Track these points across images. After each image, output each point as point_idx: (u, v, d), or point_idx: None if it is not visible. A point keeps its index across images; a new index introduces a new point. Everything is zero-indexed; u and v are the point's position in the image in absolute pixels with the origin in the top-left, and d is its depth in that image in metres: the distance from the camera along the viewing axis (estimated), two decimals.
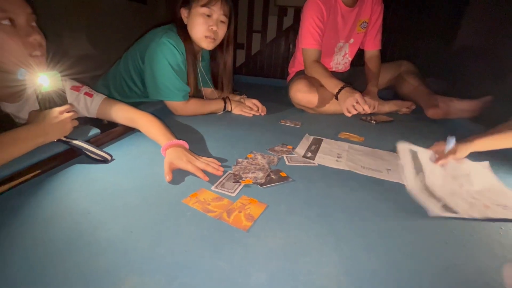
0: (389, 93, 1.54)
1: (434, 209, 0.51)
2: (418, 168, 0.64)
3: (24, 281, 0.32)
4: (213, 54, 1.13)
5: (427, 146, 0.88)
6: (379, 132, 1.03)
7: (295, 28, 2.92)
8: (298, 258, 0.38)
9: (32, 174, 0.51)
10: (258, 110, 1.13)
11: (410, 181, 0.60)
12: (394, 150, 0.83)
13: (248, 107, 1.12)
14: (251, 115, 1.10)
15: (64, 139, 0.60)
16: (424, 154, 0.68)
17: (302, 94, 1.16)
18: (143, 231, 0.41)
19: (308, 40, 1.23)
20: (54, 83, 0.60)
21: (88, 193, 0.50)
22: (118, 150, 0.68)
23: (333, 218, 0.48)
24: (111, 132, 0.74)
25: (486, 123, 1.00)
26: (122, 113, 0.75)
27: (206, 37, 0.95)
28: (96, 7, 1.87)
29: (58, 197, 0.48)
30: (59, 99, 0.61)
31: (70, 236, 0.39)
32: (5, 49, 0.54)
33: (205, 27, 0.93)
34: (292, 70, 1.48)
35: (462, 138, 0.68)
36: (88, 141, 0.63)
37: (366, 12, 1.29)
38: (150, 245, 0.38)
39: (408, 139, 0.96)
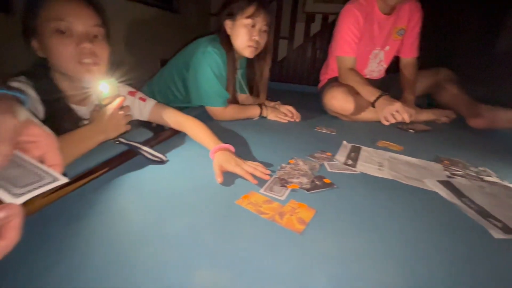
0: (425, 100, 1.50)
1: (496, 231, 0.49)
2: (459, 194, 0.62)
3: (105, 269, 0.36)
4: (250, 61, 1.17)
5: (469, 156, 0.85)
6: (418, 142, 1.00)
7: (322, 34, 2.93)
8: (354, 264, 0.39)
9: (102, 171, 0.56)
10: (292, 116, 1.15)
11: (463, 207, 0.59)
12: (436, 160, 0.81)
13: (283, 113, 1.14)
14: (286, 121, 1.13)
15: (125, 140, 0.66)
16: (459, 181, 0.66)
17: (338, 101, 1.17)
18: (204, 228, 0.45)
19: (343, 48, 1.23)
20: (113, 90, 0.67)
21: (150, 190, 0.55)
22: (168, 152, 0.73)
23: (383, 226, 0.49)
24: (160, 134, 0.80)
25: None
26: (172, 117, 0.80)
27: (249, 46, 1.00)
28: (132, 17, 2.01)
29: (125, 192, 0.53)
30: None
31: (141, 229, 0.43)
32: (59, 54, 0.60)
33: (248, 37, 0.98)
34: (325, 77, 1.48)
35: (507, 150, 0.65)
36: (143, 143, 0.68)
37: (403, 19, 1.28)
38: (214, 241, 0.42)
39: (448, 149, 0.94)
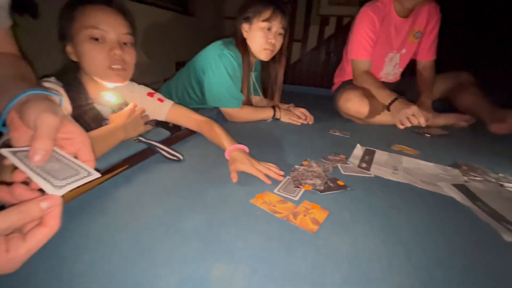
0: (443, 105, 1.46)
1: (508, 235, 0.48)
2: (474, 197, 0.61)
3: (128, 261, 0.38)
4: (264, 64, 1.19)
5: (489, 162, 0.83)
6: (435, 146, 0.98)
7: (336, 37, 2.91)
8: (369, 264, 0.40)
9: (123, 168, 0.59)
10: (306, 118, 1.16)
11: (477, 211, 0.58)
12: (454, 165, 0.79)
13: (296, 116, 1.15)
14: (299, 123, 1.13)
15: (144, 139, 0.69)
16: (475, 185, 0.65)
17: (352, 104, 1.16)
18: (221, 225, 0.46)
19: (358, 50, 1.23)
20: (118, 98, 0.74)
21: (168, 187, 0.57)
22: (184, 151, 0.75)
23: (399, 229, 0.48)
24: (177, 134, 0.83)
25: None
26: (188, 118, 0.83)
27: (265, 49, 1.02)
28: (149, 20, 2.07)
29: (145, 188, 0.56)
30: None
31: (161, 223, 0.45)
32: (91, 59, 0.65)
33: (265, 40, 1.00)
34: (339, 79, 1.48)
35: None
36: (161, 142, 0.71)
37: (421, 22, 1.26)
38: (230, 238, 0.43)
39: (467, 154, 0.91)
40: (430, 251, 0.43)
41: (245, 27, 1.03)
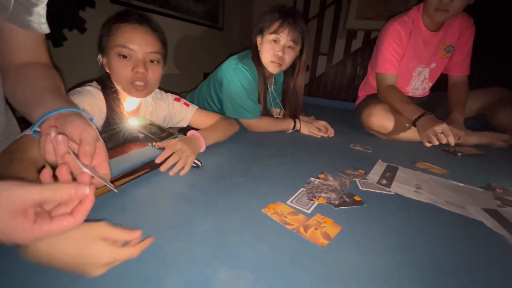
0: (478, 123, 1.36)
1: None
2: (508, 224, 0.55)
3: (143, 258, 0.39)
4: (286, 77, 1.20)
5: None
6: (466, 166, 0.92)
7: (363, 51, 2.87)
8: (378, 284, 0.38)
9: (143, 171, 0.63)
10: (326, 131, 1.14)
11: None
12: (487, 187, 0.73)
13: (316, 128, 1.14)
14: (319, 135, 1.12)
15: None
16: (509, 211, 0.60)
17: (376, 119, 1.13)
18: (230, 231, 0.47)
19: (384, 65, 1.20)
20: (142, 121, 0.78)
21: (184, 191, 0.59)
22: (204, 158, 0.77)
23: (416, 250, 0.46)
24: None
25: None
26: (210, 119, 0.93)
27: (272, 62, 1.02)
28: (181, 34, 2.21)
29: (162, 191, 0.58)
30: (153, 126, 0.80)
31: (174, 224, 0.47)
32: (117, 73, 0.72)
33: (272, 53, 1.00)
34: (363, 93, 1.45)
35: None
36: None
37: (453, 36, 1.20)
38: (238, 244, 0.43)
39: (503, 176, 0.84)
40: (448, 277, 0.40)
41: (258, 39, 1.05)
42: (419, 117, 1.03)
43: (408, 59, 1.23)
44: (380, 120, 1.12)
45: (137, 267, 0.37)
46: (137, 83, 0.72)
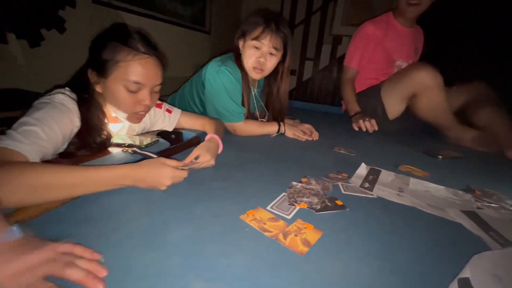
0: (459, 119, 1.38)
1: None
2: (486, 226, 0.56)
3: (111, 272, 0.36)
4: (268, 82, 1.19)
5: (508, 189, 0.77)
6: (447, 169, 0.93)
7: None
8: None
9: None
10: (311, 135, 1.14)
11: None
12: (466, 190, 0.74)
13: (301, 131, 1.13)
14: (304, 139, 1.11)
15: (139, 150, 0.69)
16: (487, 213, 0.61)
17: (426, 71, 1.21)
18: (205, 240, 0.44)
19: (348, 59, 1.43)
20: (122, 139, 0.76)
21: (159, 197, 0.56)
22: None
23: (398, 256, 0.45)
24: (177, 146, 0.83)
25: None
26: (195, 122, 0.93)
27: (254, 68, 1.01)
28: (167, 37, 2.17)
29: (136, 198, 0.55)
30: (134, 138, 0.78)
31: (146, 234, 0.44)
32: (119, 101, 0.66)
33: (253, 59, 0.99)
34: None
35: None
36: (159, 153, 0.71)
37: (418, 40, 1.41)
38: (214, 254, 0.41)
39: (482, 179, 0.85)
40: (430, 284, 0.39)
41: (240, 43, 1.04)
42: (354, 114, 1.33)
43: (388, 54, 1.36)
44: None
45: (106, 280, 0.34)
46: (141, 112, 0.70)
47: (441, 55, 1.41)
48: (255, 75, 1.04)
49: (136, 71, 0.63)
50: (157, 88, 0.71)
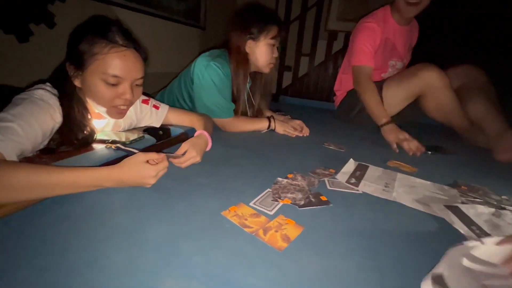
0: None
1: None
2: (468, 221, 0.56)
3: (80, 268, 0.36)
4: (254, 76, 1.18)
5: (494, 184, 0.77)
6: (435, 164, 0.93)
7: (344, 52, 2.90)
8: None
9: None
10: (301, 131, 1.13)
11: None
12: (453, 185, 0.74)
13: (291, 127, 1.13)
14: (294, 135, 1.11)
15: (123, 147, 0.68)
16: (470, 207, 0.60)
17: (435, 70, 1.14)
18: (184, 237, 0.44)
19: (360, 57, 1.26)
20: (106, 135, 0.75)
21: (140, 194, 0.55)
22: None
23: (379, 252, 0.44)
24: (163, 142, 0.82)
25: None
26: (183, 118, 0.92)
27: (270, 64, 1.07)
28: (161, 31, 2.14)
29: (117, 195, 0.54)
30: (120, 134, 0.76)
31: (124, 232, 0.43)
32: (99, 95, 0.63)
33: (271, 56, 1.05)
34: (341, 92, 1.46)
35: None
36: (144, 150, 0.70)
37: (414, 36, 1.36)
38: (189, 251, 0.40)
39: (470, 174, 0.86)
40: (410, 282, 0.39)
41: (250, 43, 1.03)
42: (385, 123, 1.09)
43: (383, 53, 1.30)
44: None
45: (71, 281, 0.33)
46: (122, 107, 0.68)
47: (434, 47, 1.37)
48: (269, 70, 1.09)
49: (114, 64, 0.61)
50: (139, 82, 0.68)
